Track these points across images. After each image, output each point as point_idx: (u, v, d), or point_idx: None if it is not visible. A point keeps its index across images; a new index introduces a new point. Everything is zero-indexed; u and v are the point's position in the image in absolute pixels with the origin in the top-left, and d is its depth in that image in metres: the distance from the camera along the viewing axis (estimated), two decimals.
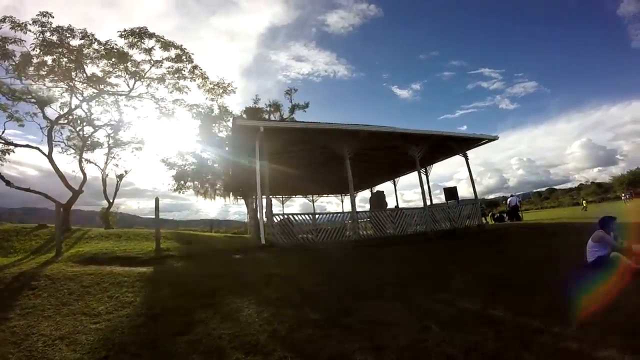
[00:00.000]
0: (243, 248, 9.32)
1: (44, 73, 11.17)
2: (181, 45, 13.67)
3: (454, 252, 8.07)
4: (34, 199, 12.51)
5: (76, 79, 12.05)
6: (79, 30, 11.68)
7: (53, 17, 11.27)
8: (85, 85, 12.39)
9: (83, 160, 14.09)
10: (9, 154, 11.68)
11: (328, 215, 11.62)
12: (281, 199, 25.09)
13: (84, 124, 13.59)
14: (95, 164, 15.23)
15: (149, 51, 12.96)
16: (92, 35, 11.88)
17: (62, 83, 11.80)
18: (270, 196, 23.32)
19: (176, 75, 13.78)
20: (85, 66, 11.98)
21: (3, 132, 11.96)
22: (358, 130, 11.39)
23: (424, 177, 16.49)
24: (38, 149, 11.90)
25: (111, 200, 15.40)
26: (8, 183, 10.98)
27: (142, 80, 13.44)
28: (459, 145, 13.88)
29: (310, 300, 4.56)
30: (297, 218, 10.66)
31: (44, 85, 11.64)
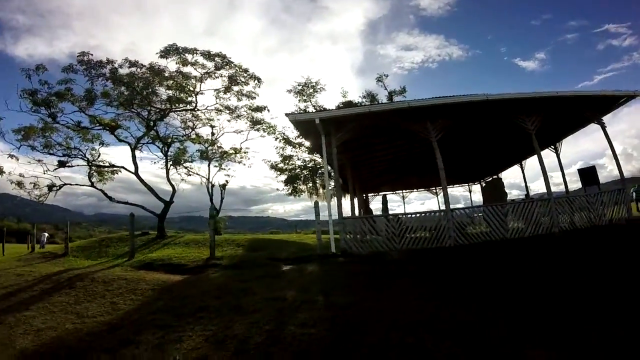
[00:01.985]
0: (308, 256, 8.40)
1: (120, 102, 13.45)
2: (220, 52, 14.43)
3: (571, 272, 4.74)
4: (193, 208, 15.11)
5: (156, 101, 14.11)
6: (122, 59, 13.55)
7: (92, 55, 13.16)
8: (162, 106, 14.38)
9: (180, 172, 16.21)
10: (116, 173, 14.54)
11: (416, 215, 9.52)
12: (401, 194, 23.30)
13: (162, 141, 15.33)
14: (199, 175, 17.09)
15: (193, 64, 14.08)
16: (137, 61, 13.54)
17: (134, 109, 13.93)
18: (386, 193, 21.81)
19: (233, 82, 14.56)
20: (156, 89, 13.85)
21: (99, 156, 14.08)
22: (436, 105, 8.91)
23: (552, 155, 12.85)
24: (124, 168, 14.28)
25: (218, 208, 17.10)
26: (110, 198, 13.56)
27: (202, 94, 14.85)
28: (589, 109, 10.18)
29: (262, 354, 3.18)
30: (371, 221, 9.04)
31: (130, 112, 14.02)
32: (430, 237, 8.64)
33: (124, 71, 13.55)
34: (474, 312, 3.69)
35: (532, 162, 15.45)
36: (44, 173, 13.29)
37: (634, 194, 15.87)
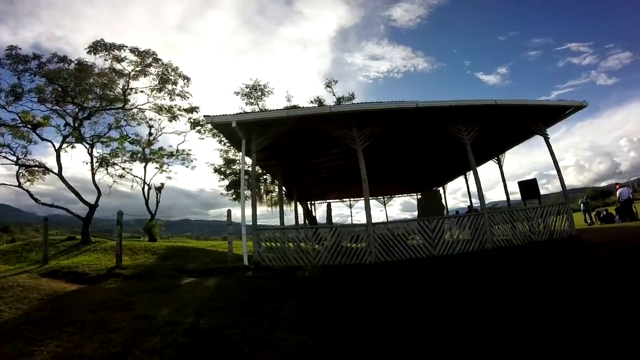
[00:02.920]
0: (217, 269, 8.79)
1: (47, 98, 13.75)
2: (149, 49, 14.92)
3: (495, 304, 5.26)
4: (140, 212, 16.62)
5: (89, 99, 14.45)
6: (51, 54, 13.83)
7: (20, 49, 13.42)
8: (93, 104, 14.78)
9: (112, 174, 16.64)
10: (47, 173, 14.75)
11: (338, 229, 9.61)
12: (349, 202, 24.01)
13: (87, 142, 15.37)
14: (133, 176, 17.45)
15: (118, 60, 14.45)
16: (65, 56, 13.85)
17: (62, 106, 14.20)
18: (332, 200, 22.42)
19: (165, 82, 15.16)
20: (88, 86, 14.15)
21: (25, 155, 14.17)
22: (362, 111, 9.31)
23: (494, 168, 13.31)
24: (45, 167, 14.62)
25: (153, 212, 17.49)
26: (36, 200, 13.77)
27: (137, 92, 15.36)
28: (533, 119, 10.24)
29: None
30: (289, 232, 9.40)
31: (57, 109, 14.23)
32: (350, 252, 8.78)
33: (52, 67, 13.84)
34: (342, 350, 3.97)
35: (483, 171, 16.17)
36: None
37: (582, 205, 16.99)
